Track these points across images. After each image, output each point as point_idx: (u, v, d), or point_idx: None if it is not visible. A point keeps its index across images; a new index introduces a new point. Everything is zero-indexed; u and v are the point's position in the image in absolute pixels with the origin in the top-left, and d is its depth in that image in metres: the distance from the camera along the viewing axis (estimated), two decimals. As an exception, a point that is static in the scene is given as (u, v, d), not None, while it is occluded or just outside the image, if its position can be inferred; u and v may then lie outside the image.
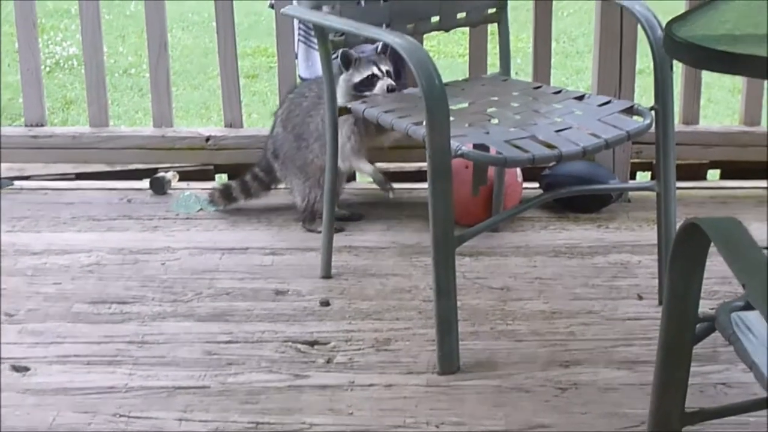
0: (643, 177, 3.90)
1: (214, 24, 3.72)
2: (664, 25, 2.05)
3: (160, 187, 3.72)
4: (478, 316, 2.91)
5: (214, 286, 3.08)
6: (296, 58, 3.69)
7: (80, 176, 3.89)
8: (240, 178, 3.59)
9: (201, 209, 3.58)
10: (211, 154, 3.80)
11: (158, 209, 3.61)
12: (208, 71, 6.65)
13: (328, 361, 2.69)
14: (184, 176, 3.84)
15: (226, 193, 3.57)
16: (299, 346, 2.76)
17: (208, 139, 3.77)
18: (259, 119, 5.79)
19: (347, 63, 3.19)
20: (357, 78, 3.20)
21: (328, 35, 2.87)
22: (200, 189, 3.70)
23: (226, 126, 3.81)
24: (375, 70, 3.19)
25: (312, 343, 2.77)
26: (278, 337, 2.80)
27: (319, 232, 3.18)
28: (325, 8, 2.91)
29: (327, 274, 3.13)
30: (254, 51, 7.08)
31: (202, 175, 3.87)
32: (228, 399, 2.54)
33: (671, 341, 1.88)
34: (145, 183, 3.76)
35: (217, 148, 3.78)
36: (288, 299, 3.01)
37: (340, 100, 3.10)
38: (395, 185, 3.40)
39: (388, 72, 3.21)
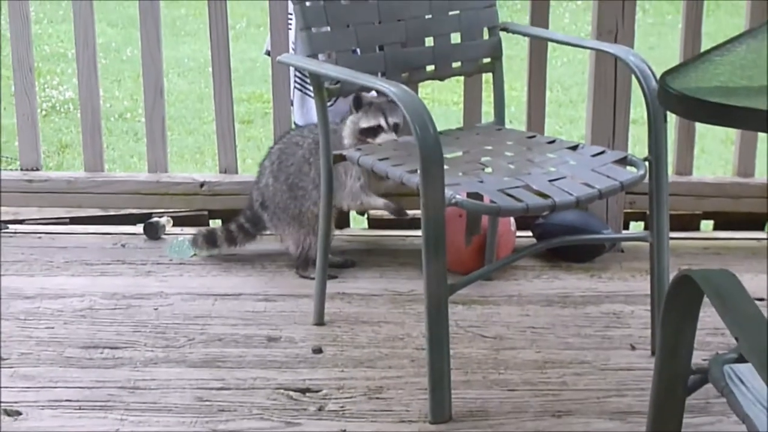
0: (637, 227, 3.90)
1: (210, 69, 3.73)
2: (658, 76, 2.06)
3: (154, 233, 3.72)
4: (471, 365, 2.91)
5: (207, 332, 3.08)
6: (292, 104, 3.70)
7: (74, 221, 3.89)
8: (225, 226, 3.59)
9: (194, 254, 3.58)
10: (205, 200, 3.81)
11: (152, 254, 3.60)
12: (203, 116, 6.65)
13: (320, 409, 2.68)
14: (179, 221, 3.84)
15: (209, 239, 3.56)
16: (291, 393, 2.75)
17: (202, 184, 3.78)
18: (253, 165, 5.75)
19: (358, 105, 3.22)
20: (364, 124, 3.23)
21: (324, 83, 2.89)
22: (194, 234, 3.70)
23: (221, 171, 3.82)
24: (382, 122, 3.21)
25: (304, 391, 2.76)
26: (270, 384, 2.80)
27: (313, 278, 3.17)
28: (321, 56, 2.93)
29: (320, 321, 3.13)
30: (250, 96, 7.10)
31: (197, 220, 3.87)
32: (219, 446, 2.54)
33: (664, 392, 1.88)
34: (139, 228, 3.76)
35: (211, 193, 3.79)
36: (280, 346, 3.00)
37: (346, 141, 3.20)
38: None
39: (395, 125, 3.21)
